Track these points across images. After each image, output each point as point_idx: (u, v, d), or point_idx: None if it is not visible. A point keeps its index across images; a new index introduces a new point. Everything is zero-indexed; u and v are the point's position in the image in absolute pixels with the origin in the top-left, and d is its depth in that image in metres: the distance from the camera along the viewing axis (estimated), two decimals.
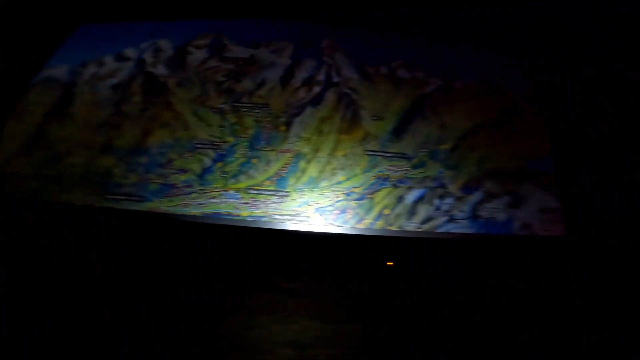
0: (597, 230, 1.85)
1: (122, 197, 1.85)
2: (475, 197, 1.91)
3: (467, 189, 1.93)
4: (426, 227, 1.86)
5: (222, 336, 1.28)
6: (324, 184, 1.92)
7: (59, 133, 1.97)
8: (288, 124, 2.02)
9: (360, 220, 1.88)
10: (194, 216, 1.84)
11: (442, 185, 1.93)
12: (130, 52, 2.24)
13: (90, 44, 2.28)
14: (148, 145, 1.95)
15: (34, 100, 2.08)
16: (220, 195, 1.88)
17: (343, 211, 1.88)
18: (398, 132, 2.04)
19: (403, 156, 1.98)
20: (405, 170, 1.96)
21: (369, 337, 1.33)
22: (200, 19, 2.43)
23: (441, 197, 1.91)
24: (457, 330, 1.41)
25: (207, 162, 1.93)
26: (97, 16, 2.43)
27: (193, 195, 1.87)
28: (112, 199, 1.85)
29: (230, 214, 1.86)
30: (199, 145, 1.96)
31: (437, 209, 1.89)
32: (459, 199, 1.90)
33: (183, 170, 1.91)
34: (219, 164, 1.93)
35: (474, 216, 1.87)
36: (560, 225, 1.85)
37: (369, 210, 1.89)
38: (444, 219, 1.87)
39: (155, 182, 1.88)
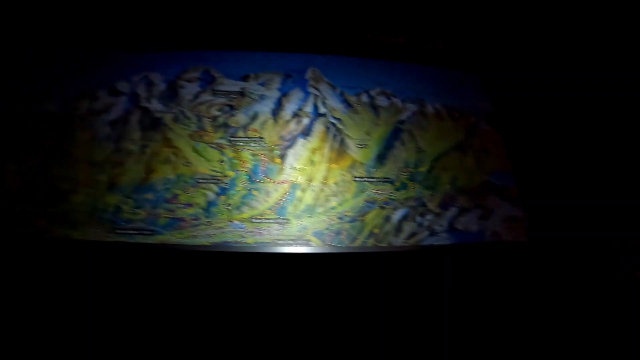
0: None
1: (134, 232, 2.04)
2: (451, 212, 2.30)
3: (444, 205, 2.32)
4: (411, 241, 2.21)
5: None
6: (319, 210, 2.23)
7: (61, 171, 2.11)
8: (282, 156, 2.29)
9: (353, 240, 2.20)
10: (204, 246, 2.07)
11: (422, 204, 2.30)
12: (123, 86, 2.39)
13: (80, 75, 2.38)
14: (152, 181, 2.14)
15: (29, 138, 2.18)
16: (227, 225, 2.12)
17: (338, 233, 2.19)
18: (381, 158, 2.39)
19: (387, 180, 2.33)
20: (390, 193, 2.31)
21: None
22: (186, 50, 2.61)
23: (422, 214, 2.28)
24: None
25: (211, 196, 2.17)
26: (80, 45, 2.52)
27: (201, 227, 2.10)
28: (124, 234, 2.03)
29: (237, 242, 2.11)
30: (201, 181, 2.18)
31: (420, 225, 2.26)
32: (437, 215, 2.29)
33: (189, 205, 2.13)
34: (222, 197, 2.17)
35: (451, 229, 2.25)
36: (523, 231, 2.28)
37: (360, 230, 2.22)
38: (426, 233, 2.24)
39: (164, 217, 2.08)
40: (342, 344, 1.96)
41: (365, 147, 2.41)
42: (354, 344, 1.96)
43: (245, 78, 2.55)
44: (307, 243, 2.17)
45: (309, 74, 2.61)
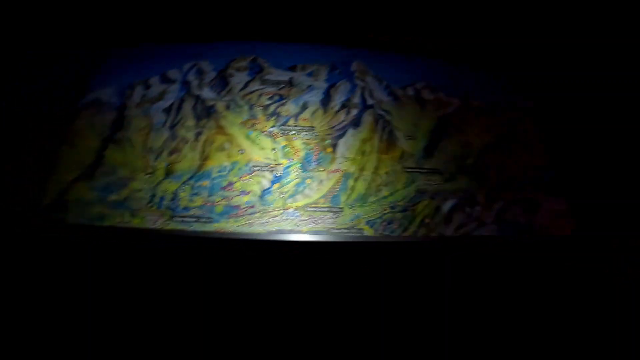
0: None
1: (192, 219, 2.05)
2: (499, 204, 2.33)
3: (491, 197, 2.35)
4: (461, 232, 2.25)
5: None
6: (371, 199, 2.26)
7: (119, 158, 2.12)
8: (334, 146, 2.32)
9: (405, 230, 2.23)
10: (260, 234, 2.09)
11: (471, 195, 2.34)
12: (174, 74, 2.41)
13: (132, 64, 2.41)
14: (208, 169, 2.16)
15: (86, 125, 2.19)
16: (281, 214, 2.15)
17: (390, 222, 2.23)
18: (429, 150, 2.42)
19: (436, 171, 2.36)
20: (439, 183, 2.34)
21: None
22: (233, 40, 2.63)
23: (471, 205, 2.31)
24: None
25: (266, 183, 2.19)
26: (132, 36, 2.55)
27: (256, 215, 2.13)
28: (182, 221, 2.05)
29: (292, 231, 2.13)
30: (256, 168, 2.20)
31: (469, 216, 2.29)
32: (485, 206, 2.32)
33: (244, 192, 2.15)
34: (276, 185, 2.19)
35: (499, 221, 2.29)
36: (569, 224, 2.31)
37: (412, 220, 2.25)
38: (475, 224, 2.27)
39: (220, 204, 2.10)
40: (341, 343, 1.95)
41: (413, 139, 2.44)
42: (354, 343, 1.95)
43: (292, 68, 2.58)
44: (360, 232, 2.20)
45: (354, 67, 2.65)
